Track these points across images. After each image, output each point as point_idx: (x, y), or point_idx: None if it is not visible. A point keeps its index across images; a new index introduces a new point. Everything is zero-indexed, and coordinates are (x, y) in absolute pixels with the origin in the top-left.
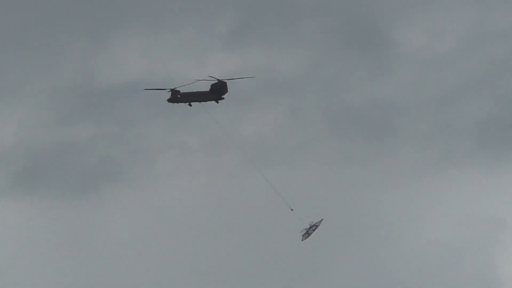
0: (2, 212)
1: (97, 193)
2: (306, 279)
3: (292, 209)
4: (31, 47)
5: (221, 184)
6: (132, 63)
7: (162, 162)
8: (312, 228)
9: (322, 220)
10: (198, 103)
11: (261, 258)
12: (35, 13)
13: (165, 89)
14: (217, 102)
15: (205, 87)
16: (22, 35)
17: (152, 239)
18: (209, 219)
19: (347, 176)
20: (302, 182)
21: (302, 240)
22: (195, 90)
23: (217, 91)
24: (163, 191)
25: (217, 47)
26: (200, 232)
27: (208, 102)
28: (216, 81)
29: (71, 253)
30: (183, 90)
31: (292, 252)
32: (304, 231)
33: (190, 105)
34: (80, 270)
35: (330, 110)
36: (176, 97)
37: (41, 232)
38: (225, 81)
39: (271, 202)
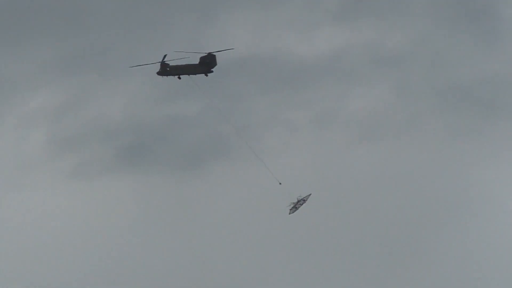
0: (111, 187)
1: (204, 168)
2: None
3: (280, 183)
4: (141, 23)
5: (327, 160)
6: (240, 38)
7: (269, 138)
8: (300, 202)
9: (310, 194)
10: (187, 76)
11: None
12: None
13: (153, 63)
14: (206, 75)
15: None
16: (133, 12)
17: (258, 214)
18: (316, 195)
19: (454, 151)
20: (408, 156)
21: (289, 214)
22: (184, 63)
23: (206, 64)
24: (269, 167)
25: (325, 21)
26: (308, 209)
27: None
28: (206, 54)
29: (178, 227)
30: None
31: None
32: (292, 205)
33: (179, 77)
34: (186, 244)
35: (438, 85)
36: (166, 70)
37: (148, 206)
38: (214, 53)
39: (376, 177)
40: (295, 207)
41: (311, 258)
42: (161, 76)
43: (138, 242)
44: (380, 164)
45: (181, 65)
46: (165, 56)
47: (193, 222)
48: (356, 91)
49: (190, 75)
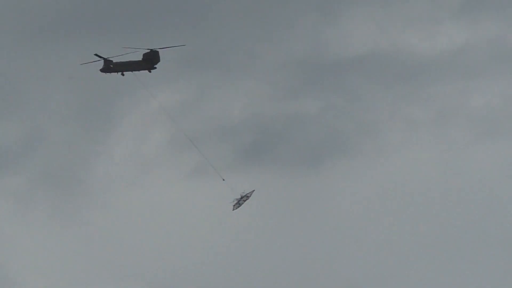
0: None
1: (324, 166)
2: None
3: (223, 179)
4: (262, 20)
5: (448, 158)
6: (361, 35)
7: (389, 135)
8: (243, 198)
9: (253, 191)
10: (130, 72)
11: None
12: None
13: (101, 59)
14: (150, 71)
15: (138, 56)
16: (254, 11)
17: (379, 213)
18: (438, 193)
19: None
20: None
21: (233, 210)
22: (127, 60)
23: (150, 60)
24: (390, 165)
25: (446, 18)
26: (427, 208)
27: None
28: (148, 50)
29: (299, 225)
30: (115, 60)
31: None
32: (235, 201)
33: (122, 74)
34: (307, 242)
35: None
36: (109, 66)
37: (268, 205)
38: (157, 50)
39: (499, 175)
40: (238, 203)
41: (444, 257)
42: (104, 73)
43: (260, 240)
44: (503, 162)
45: (124, 61)
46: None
47: (313, 220)
48: (478, 87)
49: (134, 72)
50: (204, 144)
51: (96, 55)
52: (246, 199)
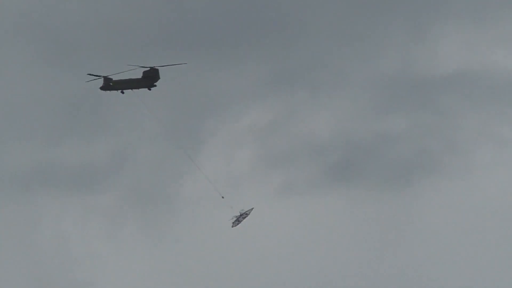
0: (320, 203)
1: (413, 184)
2: None
3: (223, 197)
4: (351, 39)
5: None
6: (450, 54)
7: (479, 154)
8: (243, 215)
9: (252, 208)
10: (130, 90)
11: None
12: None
13: (100, 77)
14: (149, 89)
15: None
16: (343, 28)
17: (469, 231)
18: None
19: None
20: None
21: (232, 227)
22: (127, 78)
23: (150, 78)
24: (479, 184)
25: None
26: None
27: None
28: (148, 68)
29: (388, 243)
30: (115, 77)
31: None
32: (235, 219)
33: (122, 92)
34: (396, 260)
35: None
36: (109, 84)
37: (357, 222)
38: (157, 68)
39: None
40: (237, 220)
41: None
42: (103, 91)
43: (349, 256)
44: None
45: (124, 79)
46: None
47: (402, 238)
48: None
49: (133, 90)
50: (292, 162)
51: (90, 74)
52: (246, 217)
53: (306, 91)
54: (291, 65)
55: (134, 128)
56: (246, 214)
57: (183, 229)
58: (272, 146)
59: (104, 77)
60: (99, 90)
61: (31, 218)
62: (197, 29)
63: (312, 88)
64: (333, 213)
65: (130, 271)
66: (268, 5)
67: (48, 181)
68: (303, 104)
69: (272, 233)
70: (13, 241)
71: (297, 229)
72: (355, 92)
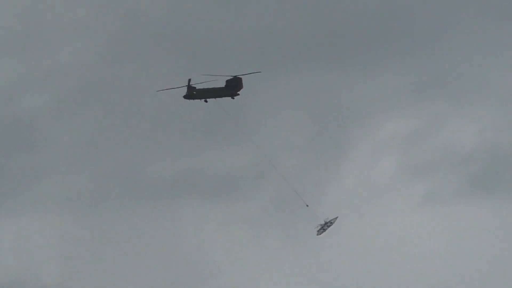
0: (465, 214)
1: None
2: None
3: (307, 205)
4: (495, 47)
5: None
6: None
7: None
8: (327, 224)
9: (337, 217)
10: (213, 99)
11: None
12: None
13: (178, 87)
14: (233, 98)
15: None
16: (484, 35)
17: None
18: None
19: None
20: None
21: (317, 235)
22: (210, 87)
23: (233, 87)
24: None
25: None
26: None
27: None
28: (232, 77)
29: None
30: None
31: None
32: (320, 227)
33: (206, 101)
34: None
35: None
36: (192, 93)
37: (504, 233)
38: (240, 76)
39: None
40: (322, 229)
41: None
42: (187, 100)
43: (494, 269)
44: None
45: (208, 88)
46: (189, 80)
47: None
48: None
49: (217, 98)
50: (434, 173)
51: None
52: (330, 225)
53: (449, 101)
54: (434, 74)
55: (276, 136)
56: (331, 222)
57: (323, 239)
58: (414, 156)
59: (188, 86)
60: (183, 98)
61: (175, 225)
62: (344, 39)
63: (455, 97)
64: (477, 224)
65: (275, 279)
66: (409, 16)
67: (191, 188)
68: (446, 113)
69: (415, 243)
70: (157, 247)
71: (441, 239)
72: (499, 102)
